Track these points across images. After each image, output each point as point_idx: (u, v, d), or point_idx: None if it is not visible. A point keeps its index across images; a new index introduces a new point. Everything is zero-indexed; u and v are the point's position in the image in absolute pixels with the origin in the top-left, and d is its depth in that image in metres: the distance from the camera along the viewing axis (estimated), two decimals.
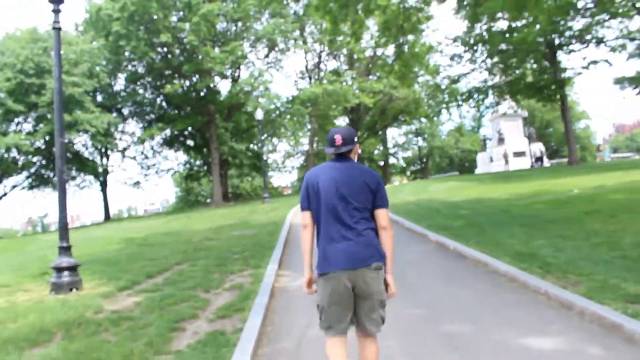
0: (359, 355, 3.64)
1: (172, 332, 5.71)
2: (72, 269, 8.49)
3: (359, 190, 3.52)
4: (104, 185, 42.51)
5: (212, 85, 33.70)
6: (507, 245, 9.34)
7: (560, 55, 37.14)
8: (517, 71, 38.44)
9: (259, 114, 30.00)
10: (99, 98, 36.63)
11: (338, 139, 3.58)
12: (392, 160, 72.30)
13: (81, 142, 37.34)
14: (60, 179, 8.61)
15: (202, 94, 34.64)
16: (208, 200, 42.94)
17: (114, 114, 39.36)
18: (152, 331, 5.71)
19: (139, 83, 36.88)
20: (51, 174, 38.09)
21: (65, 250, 8.58)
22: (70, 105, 30.12)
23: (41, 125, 31.35)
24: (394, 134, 78.41)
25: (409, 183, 39.11)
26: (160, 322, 5.98)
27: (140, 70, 35.75)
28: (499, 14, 35.91)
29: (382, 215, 3.59)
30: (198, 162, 45.61)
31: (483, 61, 40.42)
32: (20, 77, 29.93)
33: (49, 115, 30.25)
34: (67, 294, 8.10)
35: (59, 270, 8.39)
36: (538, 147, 46.79)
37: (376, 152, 67.99)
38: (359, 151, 4.06)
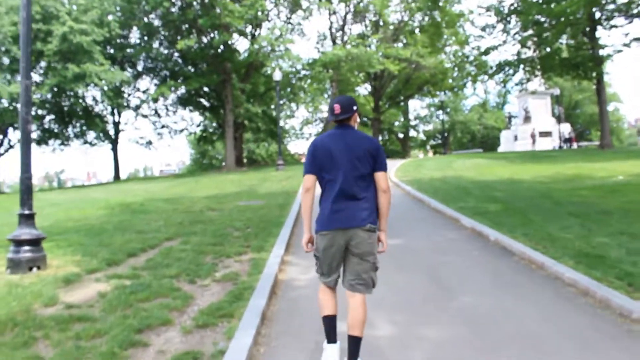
0: (348, 314, 3.78)
1: (130, 348, 4.15)
2: (34, 242, 6.92)
3: (360, 156, 3.73)
4: (114, 143, 41.14)
5: (229, 42, 31.73)
6: (563, 240, 7.67)
7: (599, 31, 34.78)
8: (553, 46, 36.04)
9: (277, 75, 28.19)
10: (111, 51, 34.87)
11: (337, 107, 3.78)
12: (412, 133, 70.25)
13: (92, 97, 35.84)
14: (24, 129, 7.01)
15: (219, 51, 32.73)
16: (223, 164, 41.45)
17: (128, 70, 37.86)
18: (103, 346, 4.16)
19: (154, 37, 35.04)
20: (61, 128, 36.79)
21: (27, 219, 6.98)
22: (78, 55, 28.42)
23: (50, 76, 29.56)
24: (416, 106, 76.47)
25: (432, 158, 37.27)
26: (119, 331, 4.43)
27: (156, 23, 33.91)
28: None
29: (381, 178, 3.82)
30: (213, 124, 44.01)
31: (516, 33, 38.16)
32: None
33: (57, 66, 28.64)
34: (24, 274, 6.58)
35: (18, 243, 6.83)
36: (567, 128, 44.68)
37: (397, 123, 65.91)
38: (358, 120, 4.09)
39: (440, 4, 42.25)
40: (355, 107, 3.85)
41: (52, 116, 35.10)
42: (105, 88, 30.49)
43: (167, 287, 5.85)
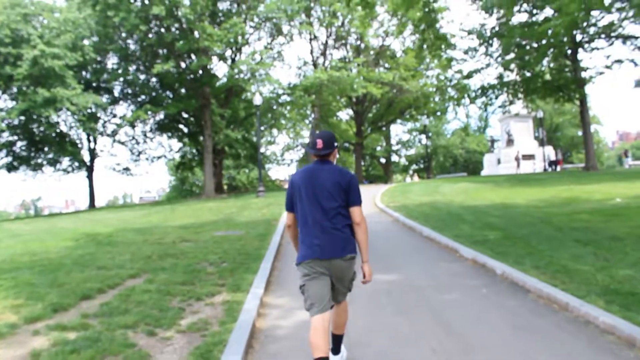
0: (332, 321, 4.10)
1: None
2: None
3: (331, 190, 3.93)
4: (90, 171, 39.76)
5: (209, 66, 30.80)
6: (581, 273, 6.75)
7: (581, 53, 34.61)
8: (535, 68, 35.76)
9: (258, 100, 27.30)
10: (87, 76, 33.78)
11: (319, 142, 3.99)
12: (394, 158, 69.67)
13: (65, 123, 34.55)
14: None
15: (197, 75, 31.79)
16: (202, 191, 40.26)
17: (105, 96, 36.74)
18: None
19: (130, 62, 34.01)
20: (32, 155, 35.39)
21: None
22: (50, 79, 27.29)
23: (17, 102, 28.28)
24: (398, 131, 76.06)
25: (418, 182, 36.44)
26: None
27: (132, 46, 32.92)
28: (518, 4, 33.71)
29: (355, 212, 3.97)
30: (193, 150, 42.90)
31: (499, 56, 37.90)
32: None
33: (26, 90, 27.44)
34: None
35: None
36: (552, 151, 44.34)
37: (379, 148, 65.32)
38: (337, 156, 4.27)
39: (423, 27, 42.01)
40: (335, 144, 4.06)
41: (23, 142, 33.73)
42: (78, 113, 29.18)
43: (120, 343, 4.78)
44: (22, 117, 30.01)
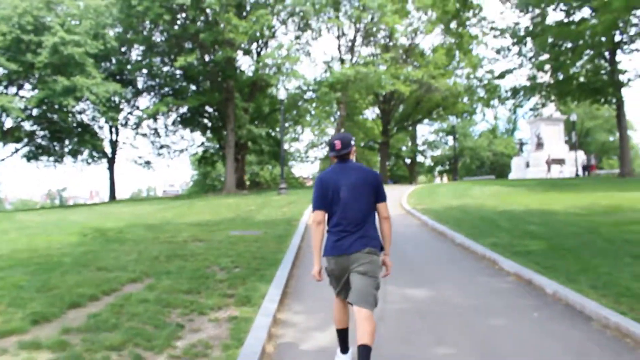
0: (356, 326, 3.91)
1: None
2: None
3: (362, 189, 4.11)
4: (111, 162, 39.30)
5: (233, 57, 29.90)
6: None
7: (619, 55, 33.09)
8: (570, 70, 34.31)
9: (282, 94, 26.46)
10: (110, 67, 33.27)
11: (337, 143, 4.17)
12: (419, 158, 68.41)
13: (87, 113, 34.04)
14: None
15: (221, 68, 31.01)
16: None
17: (128, 87, 36.22)
18: None
19: (154, 53, 33.37)
20: (53, 145, 35.01)
21: None
22: (69, 67, 26.71)
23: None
24: (424, 131, 74.85)
25: (445, 184, 35.20)
26: None
27: (157, 38, 32.27)
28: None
29: (382, 208, 4.22)
30: (215, 145, 42.19)
31: (532, 57, 36.57)
32: (16, 32, 26.49)
33: (46, 78, 26.90)
34: None
35: None
36: (586, 155, 42.77)
37: (404, 148, 64.13)
38: (355, 153, 4.41)
39: (453, 25, 40.92)
40: (353, 143, 4.22)
41: (44, 132, 33.31)
42: (98, 103, 28.54)
43: None
44: (43, 107, 29.52)
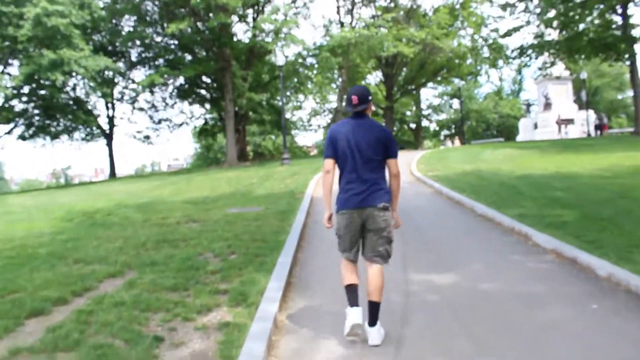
0: (367, 281, 4.12)
1: None
2: None
3: (375, 144, 4.12)
4: (109, 139, 38.24)
5: (227, 22, 28.40)
6: None
7: (631, 8, 31.60)
8: (580, 25, 32.84)
9: (281, 60, 25.15)
10: (100, 39, 31.93)
11: (354, 99, 4.15)
12: (424, 123, 67.04)
13: (78, 88, 32.85)
14: None
15: (215, 35, 29.65)
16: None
17: (122, 60, 34.91)
18: None
19: (147, 22, 31.95)
20: (46, 122, 33.88)
21: None
22: (55, 40, 25.37)
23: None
24: (428, 95, 73.42)
25: (455, 148, 33.90)
26: None
27: (147, 7, 30.85)
28: None
29: (393, 164, 4.23)
30: (215, 116, 40.99)
31: (540, 13, 34.99)
32: None
33: (32, 53, 25.60)
34: None
35: None
36: (597, 114, 41.51)
37: (408, 113, 62.75)
38: (373, 109, 4.50)
39: None
40: (370, 97, 4.24)
41: (36, 110, 32.14)
42: (88, 77, 27.31)
43: None
44: (33, 85, 28.31)
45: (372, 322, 4.08)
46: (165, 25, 30.08)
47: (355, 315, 4.04)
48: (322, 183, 4.36)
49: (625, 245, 6.26)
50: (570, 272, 5.78)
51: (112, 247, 7.73)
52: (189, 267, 6.28)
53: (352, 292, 4.18)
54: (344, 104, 4.97)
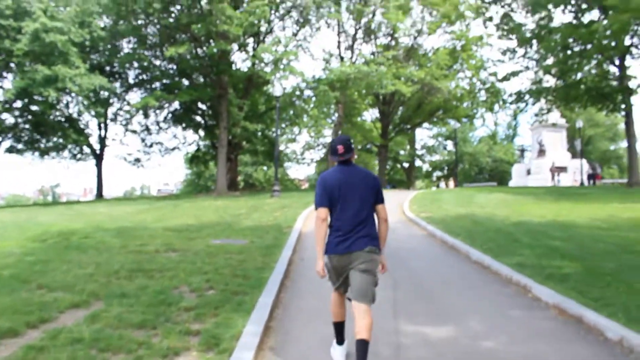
0: (355, 321, 4.09)
1: None
2: None
3: (365, 191, 4.29)
4: (98, 159, 37.64)
5: (227, 49, 28.19)
6: None
7: (628, 60, 31.75)
8: (578, 74, 33.03)
9: (278, 90, 24.88)
10: (97, 59, 31.63)
11: (340, 148, 4.31)
12: (417, 163, 66.98)
13: (70, 106, 32.37)
14: None
15: (214, 62, 29.46)
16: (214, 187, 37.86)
17: (118, 81, 34.61)
18: None
19: (147, 44, 31.75)
20: (35, 139, 33.29)
21: None
22: (52, 57, 25.02)
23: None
24: (423, 136, 73.66)
25: (448, 190, 33.49)
26: None
27: (148, 30, 30.66)
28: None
29: (382, 209, 4.41)
30: (208, 143, 40.56)
31: (539, 59, 35.24)
32: None
33: (27, 68, 25.17)
34: None
35: None
36: (589, 164, 41.52)
37: (402, 152, 62.69)
38: (356, 156, 4.60)
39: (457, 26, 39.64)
40: (353, 146, 4.39)
41: (26, 125, 31.59)
42: (82, 95, 26.89)
43: None
44: (25, 100, 27.86)
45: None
46: (164, 48, 29.92)
47: (341, 354, 4.41)
48: (315, 231, 4.31)
49: (635, 305, 5.80)
50: (576, 332, 5.29)
51: (82, 273, 7.18)
52: (160, 302, 5.74)
53: (339, 330, 4.48)
54: (330, 156, 4.81)
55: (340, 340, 4.46)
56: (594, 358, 4.54)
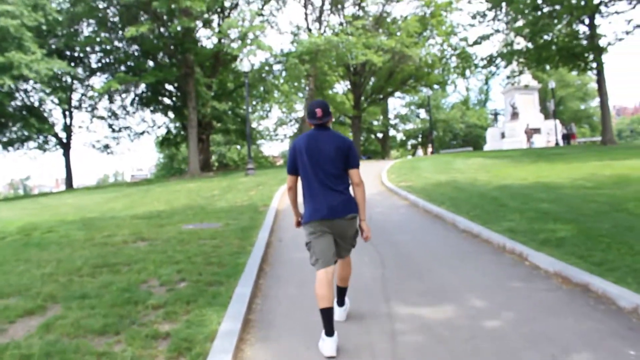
0: (336, 272, 4.46)
1: None
2: None
3: (336, 156, 4.19)
4: (65, 148, 36.42)
5: (191, 27, 27.11)
6: None
7: (597, 19, 31.48)
8: (549, 35, 32.76)
9: (246, 66, 24.03)
10: (55, 43, 30.28)
11: (319, 111, 4.24)
12: (391, 132, 66.61)
13: (34, 95, 31.06)
14: None
15: (179, 41, 28.42)
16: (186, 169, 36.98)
17: (80, 66, 33.35)
18: None
19: (107, 26, 30.46)
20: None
21: None
22: (4, 43, 23.74)
23: None
24: (396, 105, 73.29)
25: (425, 158, 33.07)
26: None
27: (107, 11, 29.41)
28: None
29: (354, 174, 4.28)
30: (177, 125, 39.55)
31: (509, 21, 34.85)
32: None
33: None
34: None
35: None
36: (563, 124, 41.61)
37: (375, 122, 62.16)
38: (332, 120, 4.53)
39: None
40: (330, 111, 4.33)
41: None
42: (40, 81, 25.66)
43: None
44: None
45: (341, 302, 4.68)
46: (126, 30, 28.75)
47: (331, 345, 3.94)
48: (287, 198, 4.56)
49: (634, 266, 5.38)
50: (585, 302, 4.83)
51: (39, 273, 6.53)
52: (126, 301, 5.14)
53: (328, 317, 4.03)
54: (307, 119, 4.52)
55: (329, 331, 3.98)
56: (609, 333, 4.07)
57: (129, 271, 6.46)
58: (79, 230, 10.10)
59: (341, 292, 4.64)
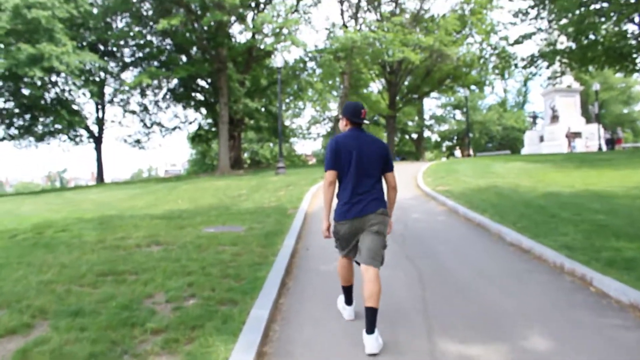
0: (363, 287, 4.15)
1: None
2: None
3: (375, 158, 4.31)
4: (97, 141, 36.34)
5: (224, 20, 26.48)
6: None
7: None
8: (596, 34, 31.28)
9: (279, 61, 23.32)
10: (89, 36, 30.09)
11: (364, 112, 4.40)
12: (426, 133, 65.31)
13: (65, 88, 30.93)
14: None
15: (212, 35, 27.90)
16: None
17: (113, 60, 33.18)
18: None
19: (141, 21, 30.16)
20: (31, 123, 32.01)
21: None
22: (36, 34, 23.51)
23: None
24: (431, 105, 72.10)
25: (462, 160, 31.86)
26: None
27: (141, 4, 29.07)
28: None
29: (391, 177, 4.45)
30: (209, 121, 39.17)
31: (552, 20, 33.42)
32: None
33: (9, 47, 23.67)
34: None
35: None
36: (606, 128, 39.93)
37: (410, 123, 60.98)
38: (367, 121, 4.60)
39: None
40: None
41: (16, 109, 30.20)
42: (71, 74, 25.40)
43: None
44: (10, 83, 26.44)
45: (370, 329, 4.03)
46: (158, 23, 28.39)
47: (351, 311, 4.71)
48: (323, 193, 4.39)
49: None
50: None
51: (37, 280, 5.87)
52: (122, 322, 4.40)
53: (347, 292, 4.70)
54: (350, 117, 4.18)
55: (349, 301, 4.72)
56: None
57: (134, 282, 5.74)
58: (93, 230, 9.46)
59: (370, 314, 4.04)
